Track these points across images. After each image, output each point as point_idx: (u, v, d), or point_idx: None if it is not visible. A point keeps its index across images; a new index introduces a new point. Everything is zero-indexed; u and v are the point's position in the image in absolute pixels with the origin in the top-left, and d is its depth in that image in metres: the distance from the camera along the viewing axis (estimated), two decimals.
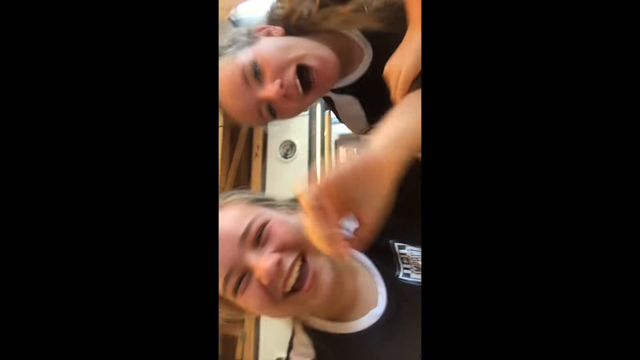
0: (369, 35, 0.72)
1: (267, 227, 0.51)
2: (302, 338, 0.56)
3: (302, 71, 0.65)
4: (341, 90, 0.78)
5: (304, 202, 0.43)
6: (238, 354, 1.95)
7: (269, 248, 0.50)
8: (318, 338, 0.55)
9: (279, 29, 0.69)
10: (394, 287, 0.57)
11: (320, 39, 0.69)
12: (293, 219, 0.54)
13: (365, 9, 0.67)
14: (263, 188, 2.54)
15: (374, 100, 0.74)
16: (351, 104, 0.80)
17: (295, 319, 0.58)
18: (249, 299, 0.50)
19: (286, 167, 2.45)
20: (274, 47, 0.66)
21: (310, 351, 0.54)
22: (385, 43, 0.66)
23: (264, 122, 0.71)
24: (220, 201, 0.56)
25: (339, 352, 0.53)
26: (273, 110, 0.67)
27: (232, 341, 1.93)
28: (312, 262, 0.50)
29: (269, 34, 0.69)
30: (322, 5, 0.68)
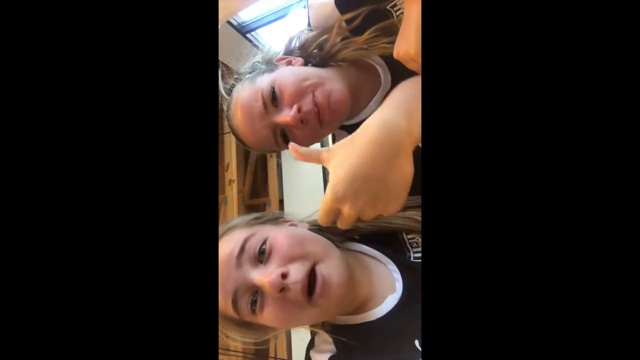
0: (388, 60, 0.72)
1: (268, 243, 0.51)
2: (324, 336, 0.57)
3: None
4: (344, 127, 0.78)
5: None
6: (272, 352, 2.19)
7: (274, 263, 0.50)
8: (340, 332, 0.54)
9: (299, 59, 0.71)
10: (409, 269, 0.57)
11: (340, 70, 0.70)
12: (295, 230, 0.56)
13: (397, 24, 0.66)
14: (280, 186, 2.64)
15: None
16: None
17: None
18: (274, 314, 0.50)
19: (301, 164, 2.53)
20: (292, 74, 0.67)
21: (331, 347, 0.55)
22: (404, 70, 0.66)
23: (277, 149, 0.72)
24: (220, 231, 0.56)
25: (361, 340, 0.53)
26: (287, 138, 0.67)
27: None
28: (322, 269, 0.50)
29: (289, 64, 0.71)
30: (342, 39, 0.70)
